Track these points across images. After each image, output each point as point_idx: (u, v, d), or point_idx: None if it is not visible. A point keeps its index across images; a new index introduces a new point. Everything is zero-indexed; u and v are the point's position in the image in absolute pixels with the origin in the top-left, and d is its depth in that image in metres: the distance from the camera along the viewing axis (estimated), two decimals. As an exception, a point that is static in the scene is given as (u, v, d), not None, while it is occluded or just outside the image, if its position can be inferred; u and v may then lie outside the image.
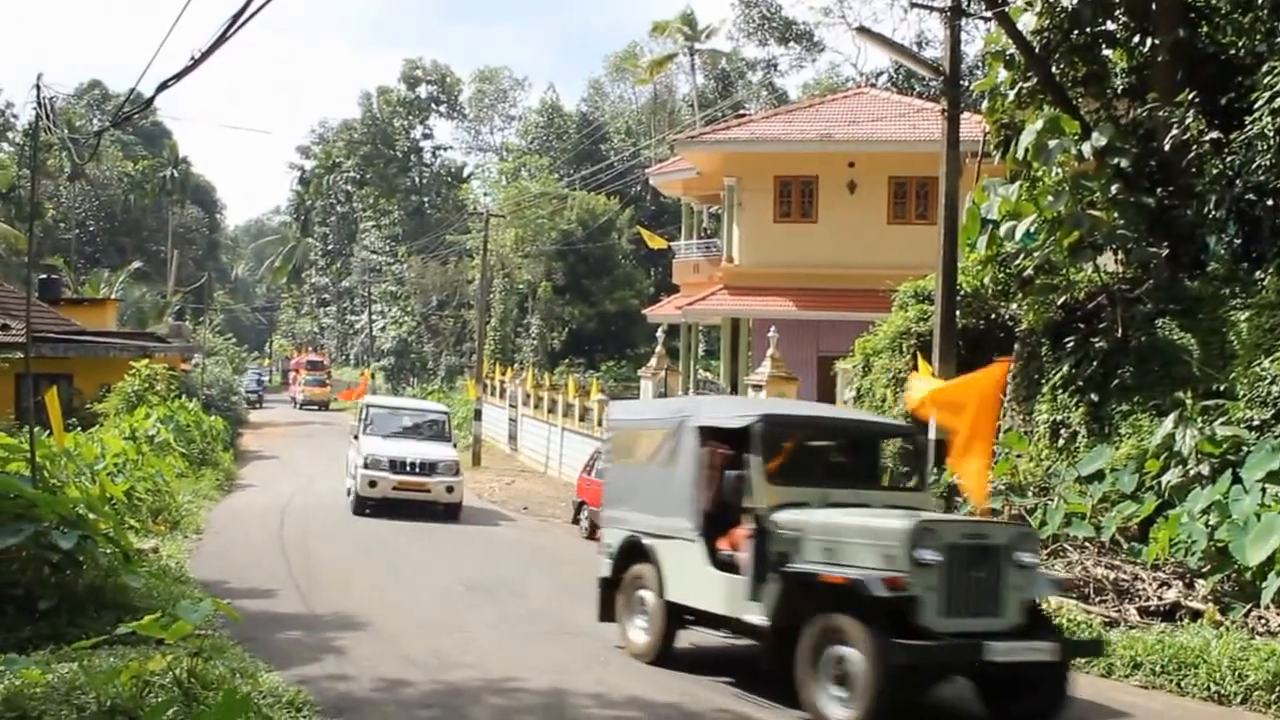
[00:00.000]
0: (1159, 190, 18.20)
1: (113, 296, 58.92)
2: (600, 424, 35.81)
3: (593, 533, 25.66)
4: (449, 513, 28.36)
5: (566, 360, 56.99)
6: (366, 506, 27.74)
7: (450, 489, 28.20)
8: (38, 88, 29.81)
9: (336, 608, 16.50)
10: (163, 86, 14.71)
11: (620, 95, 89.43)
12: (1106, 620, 13.88)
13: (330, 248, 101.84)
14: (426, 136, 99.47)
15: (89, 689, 8.79)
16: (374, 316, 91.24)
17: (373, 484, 27.62)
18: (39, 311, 35.88)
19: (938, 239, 18.96)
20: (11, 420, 27.46)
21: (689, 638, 13.85)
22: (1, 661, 9.23)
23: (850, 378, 23.19)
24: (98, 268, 74.23)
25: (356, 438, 29.36)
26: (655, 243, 47.54)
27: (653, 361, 33.87)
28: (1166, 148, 17.77)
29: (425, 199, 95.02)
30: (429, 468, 28.21)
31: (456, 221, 76.09)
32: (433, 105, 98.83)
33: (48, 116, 31.02)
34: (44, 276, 47.77)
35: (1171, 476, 15.16)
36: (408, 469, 27.99)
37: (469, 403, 49.06)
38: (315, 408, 77.76)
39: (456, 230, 74.15)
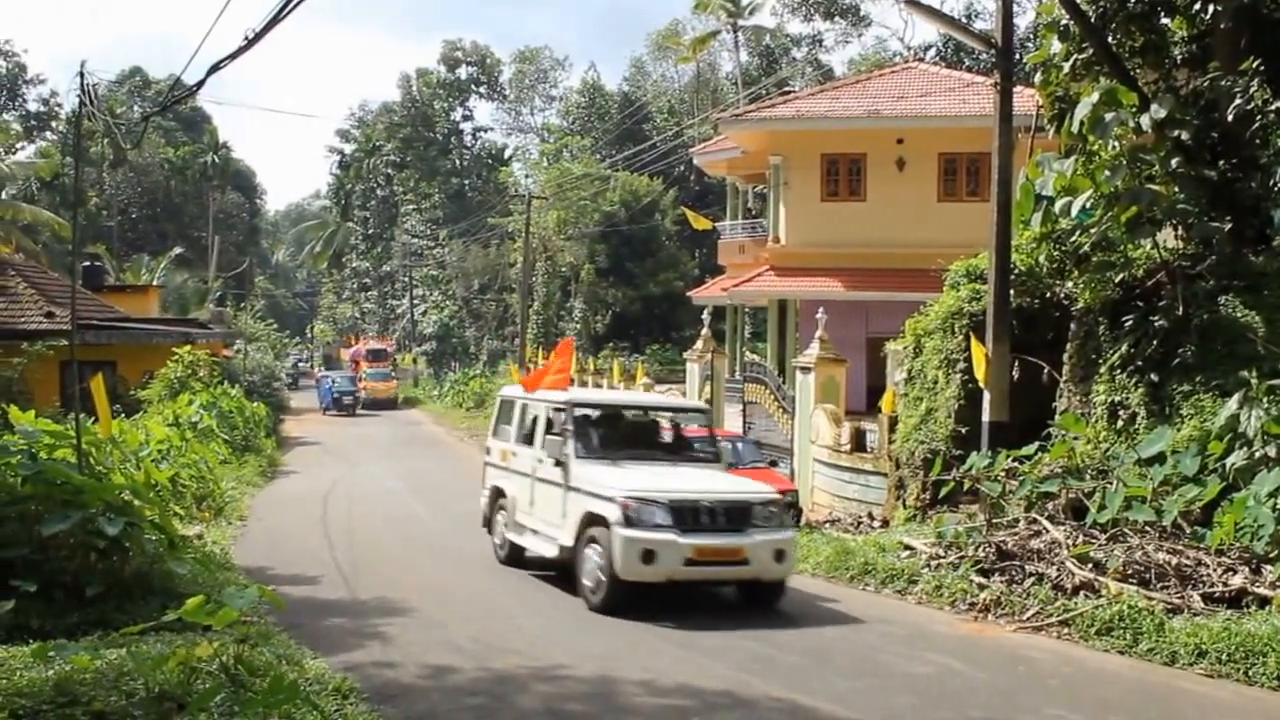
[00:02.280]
0: (1221, 163, 17.74)
1: (154, 283, 59.20)
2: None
3: (639, 518, 25.38)
4: (766, 595, 16.11)
5: (610, 344, 56.82)
6: (632, 598, 15.23)
7: (780, 554, 15.60)
8: (81, 75, 29.82)
9: (380, 593, 16.43)
10: (215, 67, 14.68)
11: (662, 74, 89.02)
12: (1169, 607, 13.50)
13: (371, 232, 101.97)
14: (467, 118, 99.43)
15: (138, 675, 8.79)
16: (415, 301, 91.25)
17: (649, 556, 14.90)
18: (83, 299, 36.09)
19: (990, 216, 18.62)
20: (57, 407, 27.54)
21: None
22: (51, 647, 9.23)
23: (901, 359, 22.88)
24: (139, 254, 74.63)
25: (562, 464, 16.54)
26: (700, 224, 47.29)
27: (698, 344, 33.62)
28: (1229, 118, 17.30)
29: (466, 181, 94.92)
30: (739, 517, 15.63)
31: (498, 204, 75.94)
32: (473, 87, 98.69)
33: (91, 103, 31.08)
34: (87, 264, 48.06)
35: (1236, 459, 14.75)
36: (704, 523, 15.36)
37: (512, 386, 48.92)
38: (383, 408, 67.15)
39: (498, 213, 74.02)
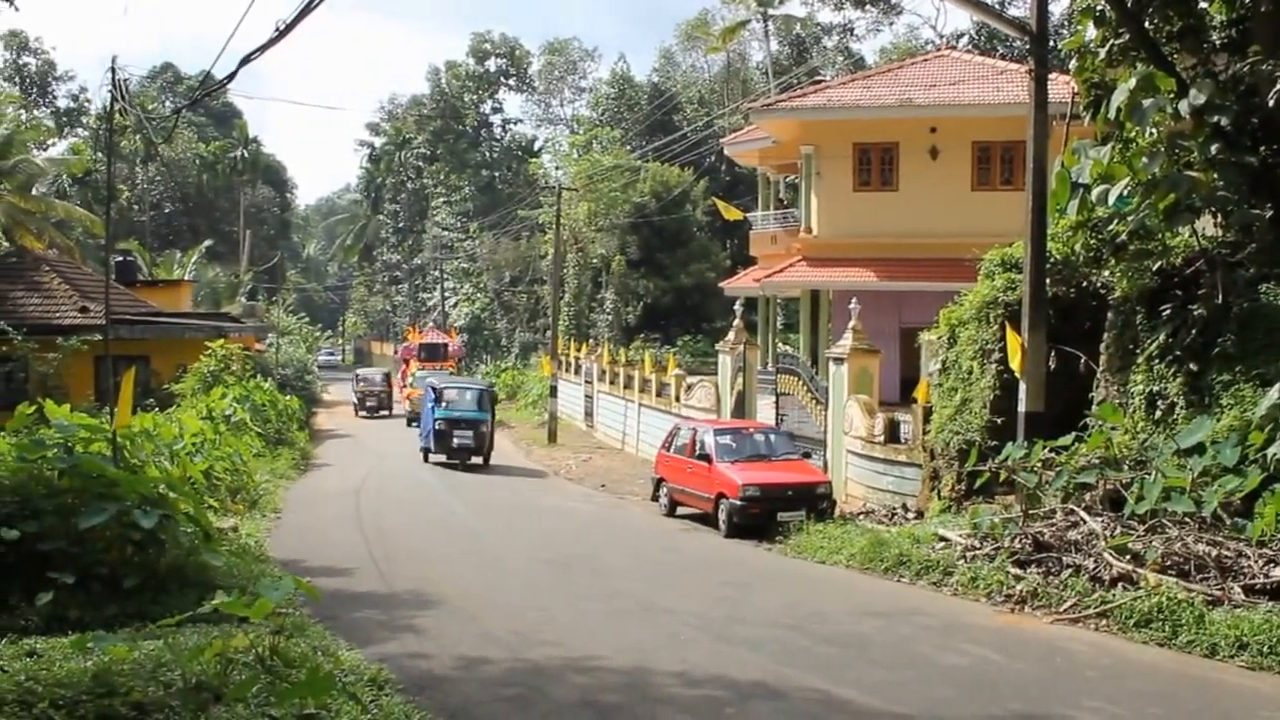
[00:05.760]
0: (1261, 149, 17.45)
1: (186, 278, 59.43)
2: (678, 399, 35.52)
3: (672, 510, 25.46)
4: None
5: (642, 335, 56.74)
6: None
7: None
8: (113, 70, 29.86)
9: (414, 586, 16.48)
10: (247, 59, 14.72)
11: (692, 64, 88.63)
12: (1209, 599, 13.34)
13: (401, 225, 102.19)
14: (496, 110, 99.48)
15: (175, 666, 8.80)
16: (446, 294, 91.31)
17: None
18: (116, 294, 36.32)
19: (1025, 204, 18.46)
20: (92, 401, 27.70)
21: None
22: (90, 638, 9.29)
23: (935, 349, 22.70)
24: (171, 249, 74.91)
25: None
26: (731, 214, 47.10)
27: (731, 335, 33.53)
28: (1270, 103, 17.00)
29: (496, 174, 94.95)
30: None
31: (528, 196, 75.83)
32: (502, 79, 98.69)
33: (122, 98, 31.17)
34: (119, 259, 48.33)
35: (1277, 449, 14.53)
36: None
37: (544, 379, 48.99)
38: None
39: (528, 205, 73.96)
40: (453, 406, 36.59)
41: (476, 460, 35.98)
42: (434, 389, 37.41)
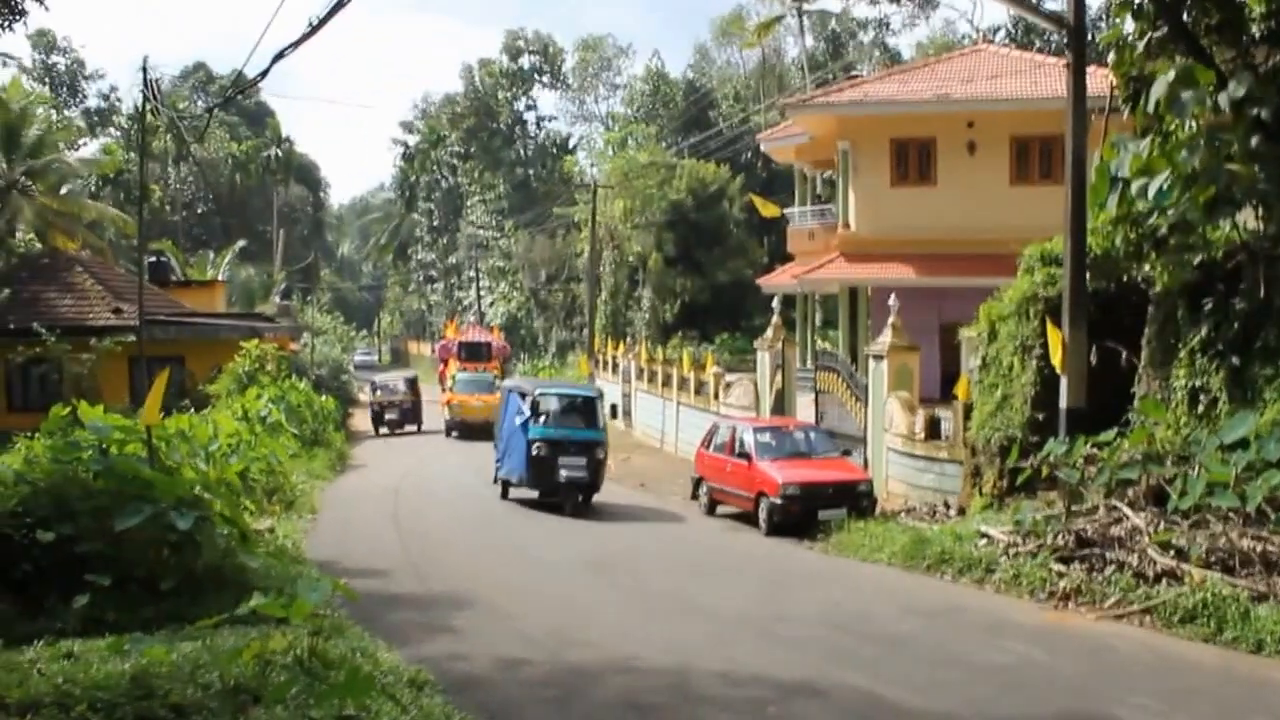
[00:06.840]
0: (1303, 141, 17.30)
1: (220, 278, 59.59)
2: (716, 398, 35.43)
3: (712, 508, 25.37)
4: None
5: (679, 333, 56.50)
6: None
7: None
8: (144, 70, 30.02)
9: (453, 587, 16.47)
10: (280, 55, 14.80)
11: (727, 60, 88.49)
12: (1254, 594, 13.22)
13: (436, 223, 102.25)
14: (530, 108, 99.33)
15: (213, 668, 8.80)
16: (482, 292, 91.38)
17: None
18: (150, 295, 36.52)
19: (1065, 199, 18.33)
20: (126, 403, 27.80)
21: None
22: (127, 640, 9.29)
23: (975, 345, 22.56)
24: (204, 249, 75.16)
25: None
26: (768, 211, 46.97)
27: (769, 333, 33.39)
28: (1311, 96, 16.85)
29: (530, 171, 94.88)
30: None
31: (563, 194, 75.78)
32: (536, 76, 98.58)
33: (154, 98, 31.32)
34: (152, 259, 48.40)
35: (1322, 443, 14.39)
36: None
37: (581, 379, 48.92)
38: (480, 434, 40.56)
39: (563, 202, 73.92)
40: (554, 422, 26.60)
41: (577, 496, 26.30)
42: (523, 395, 27.46)
